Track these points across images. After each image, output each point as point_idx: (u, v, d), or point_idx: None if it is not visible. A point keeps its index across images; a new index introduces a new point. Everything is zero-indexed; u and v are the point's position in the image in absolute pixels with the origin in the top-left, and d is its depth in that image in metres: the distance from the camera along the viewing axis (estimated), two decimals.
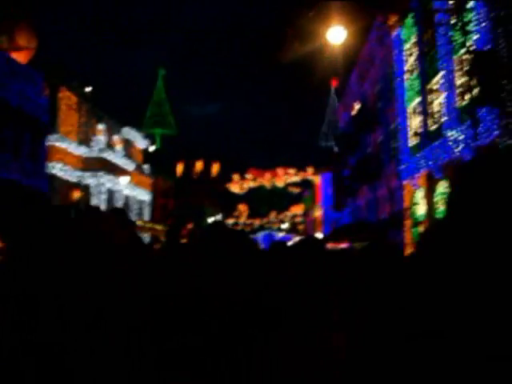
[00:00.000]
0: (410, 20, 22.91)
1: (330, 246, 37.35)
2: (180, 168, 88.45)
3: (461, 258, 1.50)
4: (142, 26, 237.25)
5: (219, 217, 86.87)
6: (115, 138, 36.52)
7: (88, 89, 30.95)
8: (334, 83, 53.58)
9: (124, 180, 31.84)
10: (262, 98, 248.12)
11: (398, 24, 24.23)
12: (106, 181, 32.30)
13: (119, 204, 35.25)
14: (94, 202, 31.29)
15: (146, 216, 41.77)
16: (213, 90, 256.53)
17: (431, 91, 21.22)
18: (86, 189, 30.77)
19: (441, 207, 20.06)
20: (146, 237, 38.48)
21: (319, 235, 47.54)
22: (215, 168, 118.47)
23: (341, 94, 45.21)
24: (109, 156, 33.02)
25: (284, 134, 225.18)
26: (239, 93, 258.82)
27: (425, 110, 21.67)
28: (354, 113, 34.62)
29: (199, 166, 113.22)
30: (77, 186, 29.65)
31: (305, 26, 10.33)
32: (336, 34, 10.23)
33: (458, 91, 18.15)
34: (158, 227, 37.51)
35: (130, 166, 37.37)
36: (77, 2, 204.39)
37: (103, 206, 31.99)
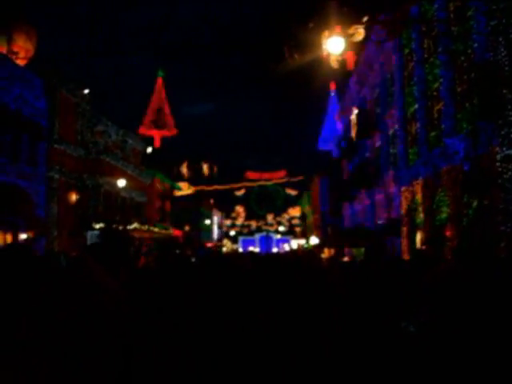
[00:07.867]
0: (409, 25, 22.87)
1: (327, 251, 37.36)
2: (177, 170, 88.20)
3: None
4: (139, 27, 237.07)
5: (216, 218, 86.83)
6: (113, 139, 36.44)
7: (86, 91, 30.84)
8: (333, 87, 53.52)
9: (121, 182, 31.75)
10: (260, 100, 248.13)
11: (397, 32, 24.17)
12: (104, 183, 32.22)
13: (116, 206, 35.17)
14: (91, 204, 31.21)
15: (143, 218, 41.66)
16: (210, 91, 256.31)
17: (431, 98, 21.16)
18: (84, 191, 30.68)
19: (438, 214, 20.03)
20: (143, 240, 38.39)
21: (315, 240, 47.53)
22: (213, 170, 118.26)
23: (339, 98, 45.21)
24: (107, 158, 32.95)
25: (282, 136, 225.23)
26: (237, 94, 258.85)
27: (424, 117, 21.61)
28: (352, 118, 34.59)
29: (197, 167, 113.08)
30: (75, 188, 29.59)
31: (304, 37, 10.34)
32: (335, 44, 10.24)
33: (457, 99, 18.13)
34: (155, 229, 37.39)
35: (127, 167, 37.32)
36: (73, 5, 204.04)
37: (101, 208, 31.93)
